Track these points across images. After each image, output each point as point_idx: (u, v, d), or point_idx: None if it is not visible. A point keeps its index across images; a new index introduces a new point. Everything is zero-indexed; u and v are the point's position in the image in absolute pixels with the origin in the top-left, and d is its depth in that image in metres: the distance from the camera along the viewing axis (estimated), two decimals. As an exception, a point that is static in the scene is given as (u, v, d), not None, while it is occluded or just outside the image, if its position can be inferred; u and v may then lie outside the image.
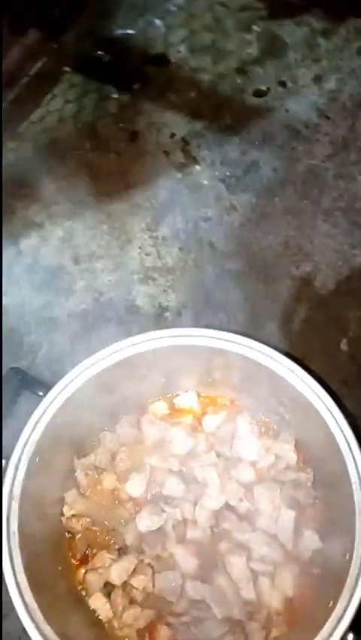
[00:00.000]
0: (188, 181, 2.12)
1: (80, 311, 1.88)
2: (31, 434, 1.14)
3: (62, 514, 1.29)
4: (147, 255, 2.03)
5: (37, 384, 1.16)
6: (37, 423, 1.15)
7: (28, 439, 1.13)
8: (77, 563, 1.27)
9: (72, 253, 2.02)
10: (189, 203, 2.08)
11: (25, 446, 1.13)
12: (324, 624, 1.06)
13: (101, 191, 2.06)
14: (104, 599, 1.21)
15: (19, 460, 1.12)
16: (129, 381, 1.19)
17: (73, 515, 1.28)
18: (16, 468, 1.11)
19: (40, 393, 1.14)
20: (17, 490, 1.10)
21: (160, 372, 1.28)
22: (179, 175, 2.11)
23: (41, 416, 1.16)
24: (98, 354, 1.19)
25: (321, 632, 1.04)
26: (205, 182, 2.12)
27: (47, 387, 1.16)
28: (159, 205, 2.07)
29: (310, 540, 1.25)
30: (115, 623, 1.21)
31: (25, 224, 2.05)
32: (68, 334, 1.55)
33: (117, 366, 1.13)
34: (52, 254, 2.03)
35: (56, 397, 1.18)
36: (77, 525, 1.27)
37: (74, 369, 1.14)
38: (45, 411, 1.16)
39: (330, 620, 1.06)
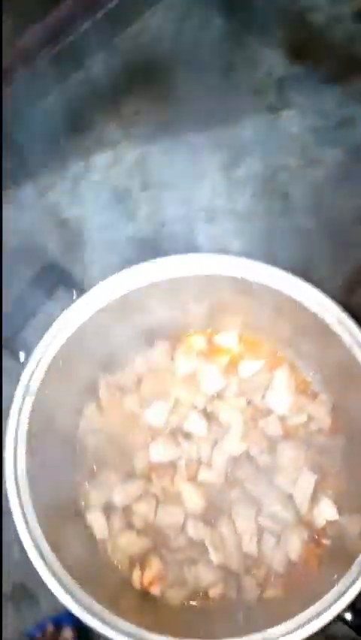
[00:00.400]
0: (276, 125, 1.98)
1: (139, 238, 1.81)
2: (57, 334, 1.08)
3: (78, 426, 1.24)
4: (218, 194, 1.92)
5: (73, 284, 1.10)
6: (65, 325, 1.08)
7: (54, 339, 1.08)
8: (84, 477, 1.22)
9: (142, 178, 1.94)
10: (272, 149, 1.95)
11: (49, 345, 1.08)
12: (323, 596, 0.98)
13: (185, 121, 1.95)
14: (102, 518, 1.17)
15: (41, 358, 1.07)
16: (169, 306, 1.14)
17: (91, 429, 1.23)
18: (37, 364, 1.06)
19: (75, 297, 1.08)
20: (34, 387, 1.06)
21: (204, 303, 1.20)
22: (268, 117, 1.98)
23: (71, 319, 1.09)
24: (140, 267, 1.10)
25: (320, 601, 0.97)
26: (294, 129, 1.99)
27: (83, 290, 1.09)
28: (240, 145, 1.95)
29: (327, 509, 1.17)
30: (109, 545, 1.18)
31: (99, 141, 1.98)
32: (122, 259, 1.48)
33: (157, 287, 1.05)
34: (121, 175, 1.96)
35: (89, 303, 1.11)
36: (91, 439, 1.23)
37: (112, 278, 1.07)
38: (76, 315, 1.09)
39: (331, 592, 0.99)
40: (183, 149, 1.96)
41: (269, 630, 0.94)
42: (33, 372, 1.07)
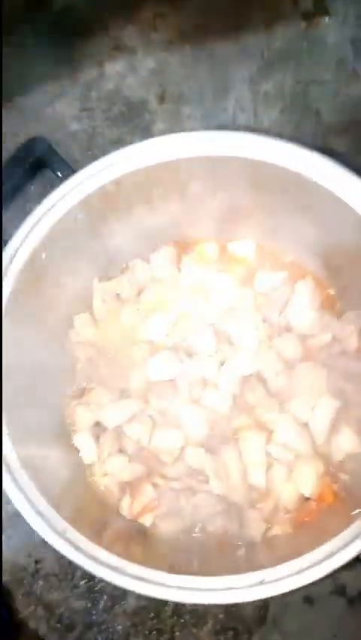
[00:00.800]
0: (311, 35, 1.76)
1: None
2: (40, 220, 0.92)
3: (67, 338, 1.09)
4: (243, 110, 1.72)
5: (61, 163, 0.92)
6: (50, 209, 0.92)
7: (35, 225, 0.91)
8: (72, 395, 1.08)
9: (159, 89, 1.75)
10: (305, 61, 1.74)
11: (30, 232, 0.91)
12: (338, 534, 0.83)
13: (209, 27, 1.74)
14: (91, 440, 1.04)
15: (20, 246, 0.90)
16: (176, 200, 1.00)
17: (79, 342, 1.08)
18: (12, 260, 0.90)
19: (60, 175, 0.90)
20: (13, 282, 0.90)
21: (217, 201, 1.02)
22: (302, 25, 1.76)
23: (58, 202, 0.92)
24: (142, 144, 0.93)
25: (334, 539, 0.82)
26: (331, 40, 1.76)
27: (72, 171, 0.91)
28: (270, 55, 1.74)
29: (348, 441, 1.02)
30: (97, 470, 1.04)
31: (115, 46, 1.78)
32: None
33: (157, 172, 0.88)
34: (137, 85, 1.76)
35: (79, 185, 0.93)
36: (81, 352, 1.08)
37: (108, 157, 0.89)
38: (64, 196, 0.92)
39: (350, 529, 0.83)
40: (206, 59, 1.75)
41: (271, 570, 0.78)
42: (8, 268, 0.91)
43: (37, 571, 1.22)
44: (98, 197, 0.94)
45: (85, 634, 1.19)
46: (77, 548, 0.83)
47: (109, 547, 0.88)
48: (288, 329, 1.05)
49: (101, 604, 1.22)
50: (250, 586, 0.79)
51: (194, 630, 1.17)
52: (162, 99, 1.72)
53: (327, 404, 0.99)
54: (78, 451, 1.06)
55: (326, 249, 1.05)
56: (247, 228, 1.13)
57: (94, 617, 1.15)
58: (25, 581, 1.21)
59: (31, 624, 1.19)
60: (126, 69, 1.73)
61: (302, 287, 1.10)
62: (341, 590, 1.20)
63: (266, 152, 0.92)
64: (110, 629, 1.18)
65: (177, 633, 1.18)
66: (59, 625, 1.20)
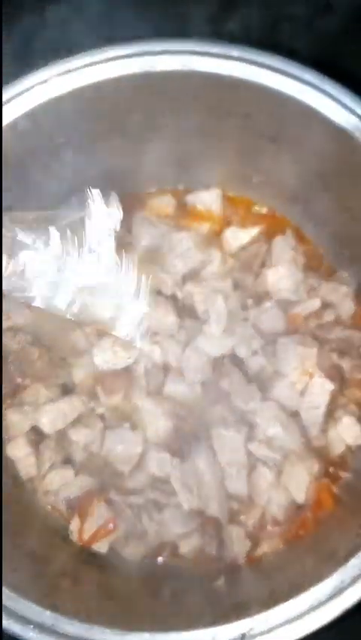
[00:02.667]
0: None
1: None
2: None
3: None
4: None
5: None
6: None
7: None
8: (4, 394, 0.86)
9: (106, 34, 1.49)
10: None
11: None
12: (348, 556, 0.63)
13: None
14: (27, 449, 0.83)
15: None
16: (116, 137, 0.84)
17: (9, 328, 0.86)
18: None
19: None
20: None
21: (169, 135, 0.80)
22: None
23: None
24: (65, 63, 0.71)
25: (343, 568, 0.61)
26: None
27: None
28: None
29: (348, 430, 0.85)
30: (38, 485, 0.83)
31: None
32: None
33: (93, 93, 0.66)
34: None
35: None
36: (11, 342, 0.86)
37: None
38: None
39: None
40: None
41: (260, 617, 0.58)
42: None
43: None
44: (11, 136, 0.72)
45: None
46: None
47: (52, 590, 0.68)
48: (266, 296, 0.90)
49: None
50: (233, 642, 0.59)
51: None
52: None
53: (319, 387, 0.84)
54: (13, 464, 0.85)
55: (306, 193, 0.83)
56: (209, 173, 0.94)
57: None
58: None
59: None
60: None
61: (281, 243, 0.93)
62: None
63: (223, 65, 0.70)
64: None
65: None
66: None
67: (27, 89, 0.73)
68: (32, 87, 0.73)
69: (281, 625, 0.61)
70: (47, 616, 0.64)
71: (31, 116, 0.74)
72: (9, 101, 0.73)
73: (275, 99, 0.74)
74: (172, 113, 0.81)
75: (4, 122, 0.74)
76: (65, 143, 0.81)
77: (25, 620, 0.63)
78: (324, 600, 0.62)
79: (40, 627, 0.63)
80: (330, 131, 0.76)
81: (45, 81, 0.73)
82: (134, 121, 0.81)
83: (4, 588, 0.65)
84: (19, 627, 0.63)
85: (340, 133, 0.75)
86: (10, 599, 0.64)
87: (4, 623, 0.62)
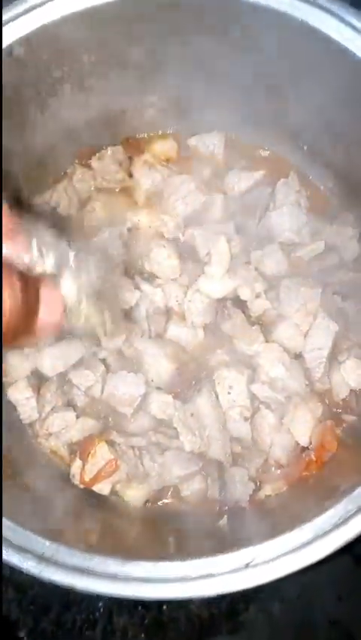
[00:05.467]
0: None
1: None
2: None
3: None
4: None
5: None
6: None
7: None
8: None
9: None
10: None
11: None
12: (352, 490, 0.64)
13: None
14: (28, 393, 0.82)
15: None
16: (113, 74, 0.80)
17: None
18: None
19: None
20: None
21: (174, 75, 0.80)
22: None
23: None
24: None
25: (345, 500, 0.61)
26: None
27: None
28: None
29: (352, 374, 0.84)
30: (39, 429, 0.83)
31: None
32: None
33: (86, 21, 0.67)
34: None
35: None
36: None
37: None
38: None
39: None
40: None
41: (262, 547, 0.57)
42: None
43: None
44: (6, 63, 0.70)
45: (63, 615, 1.01)
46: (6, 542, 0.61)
47: (56, 530, 0.68)
48: (269, 239, 0.89)
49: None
50: (235, 570, 0.58)
51: (184, 602, 1.00)
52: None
53: (324, 328, 0.83)
54: (14, 409, 0.85)
55: (313, 128, 0.82)
56: (212, 115, 0.93)
57: (71, 596, 0.98)
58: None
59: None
60: None
61: (285, 186, 0.91)
62: (346, 547, 1.04)
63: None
64: (91, 608, 1.00)
65: (165, 607, 1.00)
66: (33, 607, 1.01)
67: (22, 13, 0.70)
68: (28, 11, 0.70)
69: (285, 554, 0.60)
70: (46, 547, 0.63)
71: (27, 42, 0.72)
72: (3, 25, 0.71)
73: (283, 24, 0.71)
74: (175, 45, 0.78)
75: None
76: (63, 78, 0.79)
77: (24, 551, 0.63)
78: (329, 529, 0.61)
79: (40, 558, 0.62)
80: (343, 63, 0.73)
81: (42, 4, 0.70)
82: (135, 54, 0.79)
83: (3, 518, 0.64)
84: (17, 558, 0.62)
85: (356, 65, 0.72)
86: (8, 529, 0.64)
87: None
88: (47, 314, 0.53)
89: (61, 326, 0.56)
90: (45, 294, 0.53)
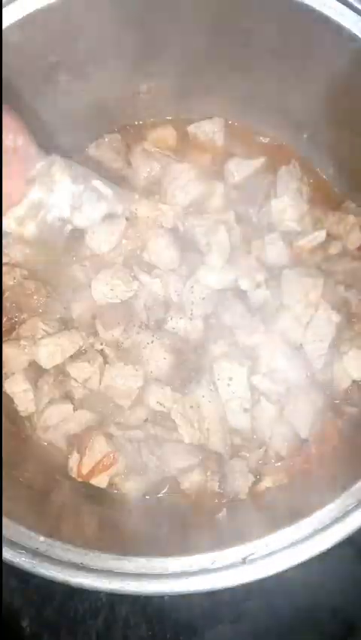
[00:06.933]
0: None
1: None
2: None
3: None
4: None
5: None
6: None
7: None
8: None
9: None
10: None
11: None
12: (351, 484, 0.62)
13: None
14: (26, 385, 0.81)
15: None
16: (110, 58, 0.78)
17: (5, 264, 0.84)
18: None
19: None
20: None
21: (172, 60, 0.78)
22: None
23: None
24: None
25: (346, 493, 0.60)
26: None
27: None
28: None
29: (354, 364, 0.83)
30: (36, 421, 0.82)
31: None
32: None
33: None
34: None
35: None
36: (6, 278, 0.84)
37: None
38: None
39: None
40: None
41: (260, 541, 0.56)
42: None
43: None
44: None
45: (65, 604, 1.01)
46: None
47: (48, 519, 0.68)
48: (270, 228, 0.88)
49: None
50: (233, 565, 0.57)
51: None
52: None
53: (325, 319, 0.82)
54: (12, 401, 0.84)
55: (315, 114, 0.80)
56: (212, 101, 0.92)
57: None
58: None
59: (4, 597, 1.01)
60: None
61: (286, 174, 0.90)
62: (348, 540, 1.03)
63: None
64: (93, 598, 1.01)
65: (166, 597, 1.00)
66: (35, 595, 1.02)
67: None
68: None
69: (284, 549, 0.60)
70: (40, 542, 0.62)
71: (21, 27, 0.70)
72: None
73: (284, 6, 0.69)
74: (174, 30, 0.76)
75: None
76: (59, 64, 0.78)
77: (17, 546, 0.62)
78: (329, 523, 0.60)
79: (34, 553, 0.62)
80: (347, 44, 0.71)
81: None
82: (132, 39, 0.77)
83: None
84: (10, 553, 0.62)
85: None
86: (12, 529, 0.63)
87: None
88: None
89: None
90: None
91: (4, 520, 0.63)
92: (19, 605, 1.03)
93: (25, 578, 1.03)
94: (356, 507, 0.61)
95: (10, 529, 0.63)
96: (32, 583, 1.03)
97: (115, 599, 1.04)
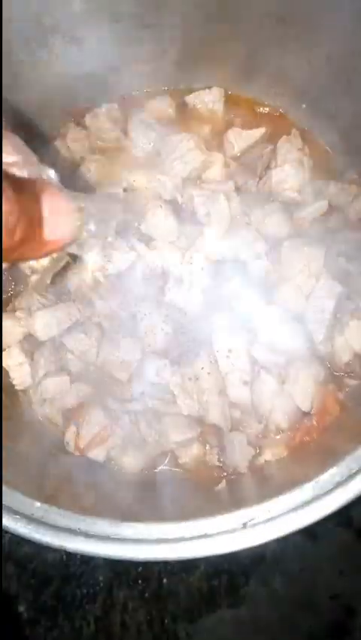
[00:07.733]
0: None
1: None
2: None
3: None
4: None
5: None
6: None
7: None
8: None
9: None
10: None
11: None
12: (354, 449, 0.62)
13: None
14: (22, 358, 0.80)
15: None
16: (104, 25, 0.78)
17: None
18: None
19: None
20: None
21: (170, 25, 0.76)
22: None
23: None
24: None
25: (344, 461, 0.58)
26: None
27: None
28: None
29: (356, 336, 0.81)
30: (33, 395, 0.81)
31: None
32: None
33: None
34: None
35: None
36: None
37: None
38: None
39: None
40: None
41: (260, 507, 0.55)
42: None
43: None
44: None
45: (63, 589, 1.00)
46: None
47: (52, 497, 0.66)
48: (270, 198, 0.86)
49: (78, 554, 1.03)
50: (232, 530, 0.56)
51: (184, 576, 1.00)
52: None
53: (327, 290, 0.81)
54: (7, 374, 0.84)
55: (316, 81, 0.79)
56: (211, 70, 0.88)
57: (71, 570, 0.98)
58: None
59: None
60: None
61: (287, 144, 0.88)
62: (347, 522, 1.02)
63: None
64: (91, 582, 1.00)
65: (165, 580, 0.99)
66: (32, 581, 1.01)
67: None
68: None
69: (285, 513, 0.58)
70: (36, 507, 0.61)
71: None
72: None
73: None
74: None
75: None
76: (54, 27, 0.76)
77: (13, 512, 0.60)
78: (331, 488, 0.59)
79: (29, 519, 0.60)
80: (350, 6, 0.69)
81: None
82: (129, 3, 0.76)
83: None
84: (5, 519, 0.60)
85: None
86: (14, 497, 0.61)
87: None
88: (53, 224, 0.49)
89: (71, 237, 0.52)
90: (49, 201, 0.48)
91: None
92: (17, 591, 1.02)
93: (22, 563, 1.02)
94: (359, 472, 0.59)
95: (6, 495, 0.61)
96: (29, 568, 1.02)
97: (113, 582, 1.03)
